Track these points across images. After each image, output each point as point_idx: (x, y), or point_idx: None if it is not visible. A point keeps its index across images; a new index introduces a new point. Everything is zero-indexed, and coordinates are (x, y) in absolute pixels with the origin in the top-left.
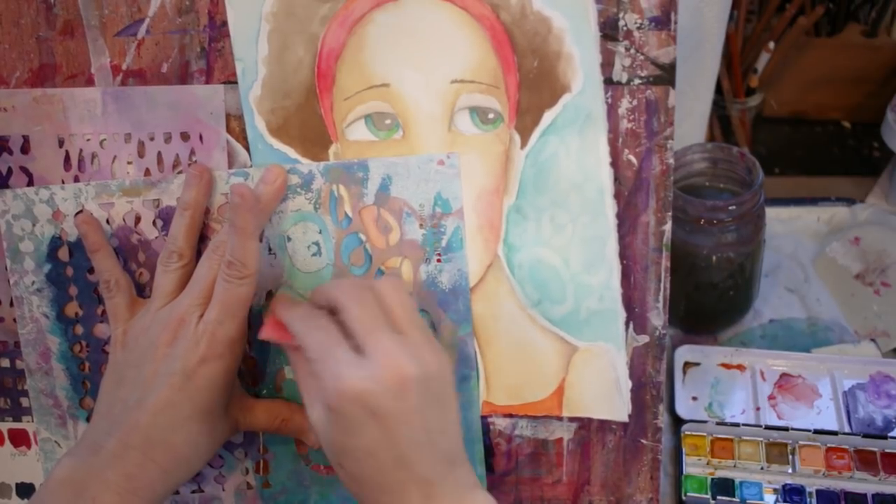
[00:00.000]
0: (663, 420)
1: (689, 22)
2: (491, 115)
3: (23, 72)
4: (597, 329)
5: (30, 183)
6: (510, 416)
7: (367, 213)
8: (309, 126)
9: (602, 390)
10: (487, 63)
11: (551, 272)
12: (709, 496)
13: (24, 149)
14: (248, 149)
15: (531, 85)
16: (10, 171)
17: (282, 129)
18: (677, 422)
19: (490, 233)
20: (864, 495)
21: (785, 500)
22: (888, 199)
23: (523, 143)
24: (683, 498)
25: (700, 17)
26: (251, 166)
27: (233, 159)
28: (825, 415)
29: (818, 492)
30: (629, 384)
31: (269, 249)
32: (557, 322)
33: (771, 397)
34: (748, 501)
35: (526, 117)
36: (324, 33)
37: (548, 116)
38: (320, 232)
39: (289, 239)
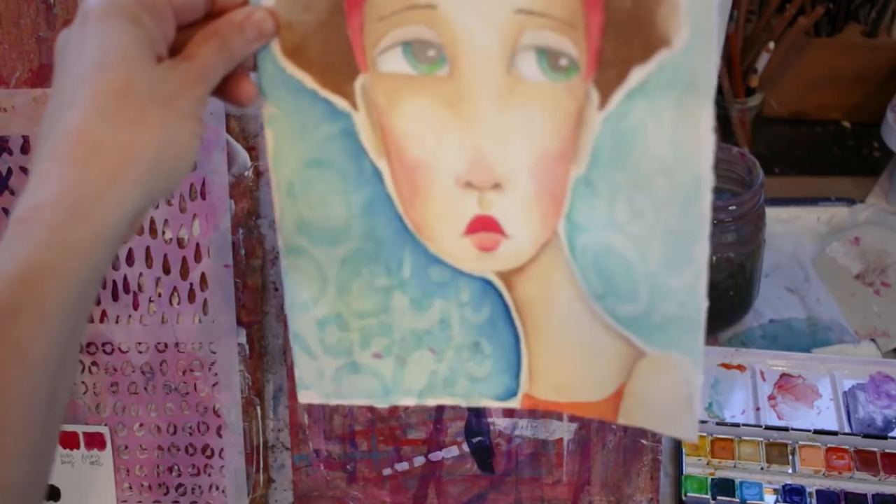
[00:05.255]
0: (704, 403)
1: None
2: (563, 62)
3: (23, 72)
4: (672, 337)
5: None
6: (511, 415)
7: None
8: (332, 49)
9: (669, 405)
10: None
11: (622, 264)
12: (709, 496)
13: (24, 149)
14: (255, 69)
15: (620, 30)
16: (9, 171)
17: (298, 51)
18: None
19: (550, 205)
20: (864, 495)
21: (785, 501)
22: (888, 199)
23: (602, 103)
24: (683, 498)
25: None
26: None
27: (232, 159)
28: (825, 415)
29: (818, 492)
30: (702, 403)
31: None
32: (624, 321)
33: (771, 397)
34: (748, 502)
35: (609, 71)
36: None
37: (637, 75)
38: None
39: None
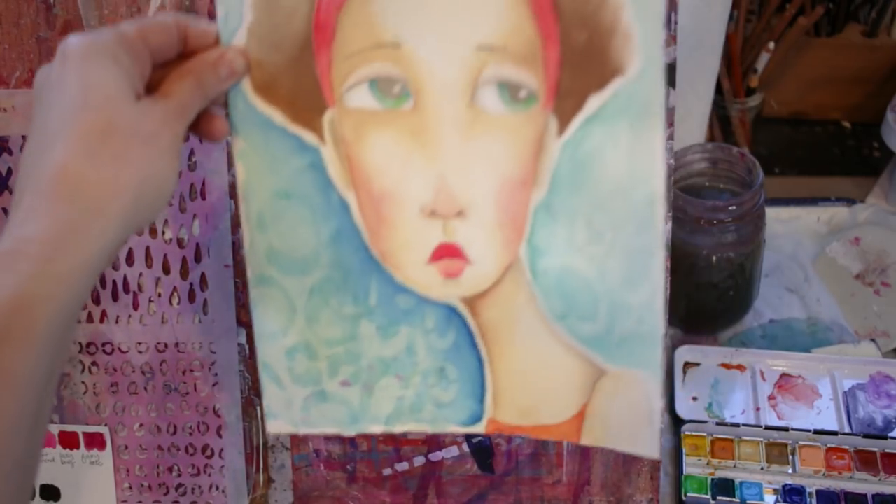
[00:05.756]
0: (663, 420)
1: (689, 22)
2: (523, 93)
3: (23, 72)
4: (631, 353)
5: None
6: None
7: None
8: (301, 86)
9: (630, 422)
10: (523, 30)
11: (582, 284)
12: (709, 496)
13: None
14: (225, 107)
15: (576, 62)
16: (9, 171)
17: (269, 88)
18: (677, 422)
19: (512, 231)
20: (864, 495)
21: (785, 501)
22: (888, 199)
23: (561, 131)
24: (683, 498)
25: (700, 17)
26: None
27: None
28: (825, 415)
29: (818, 492)
30: (663, 417)
31: None
32: (585, 340)
33: (771, 397)
34: (748, 502)
35: (566, 100)
36: None
37: (594, 102)
38: None
39: None
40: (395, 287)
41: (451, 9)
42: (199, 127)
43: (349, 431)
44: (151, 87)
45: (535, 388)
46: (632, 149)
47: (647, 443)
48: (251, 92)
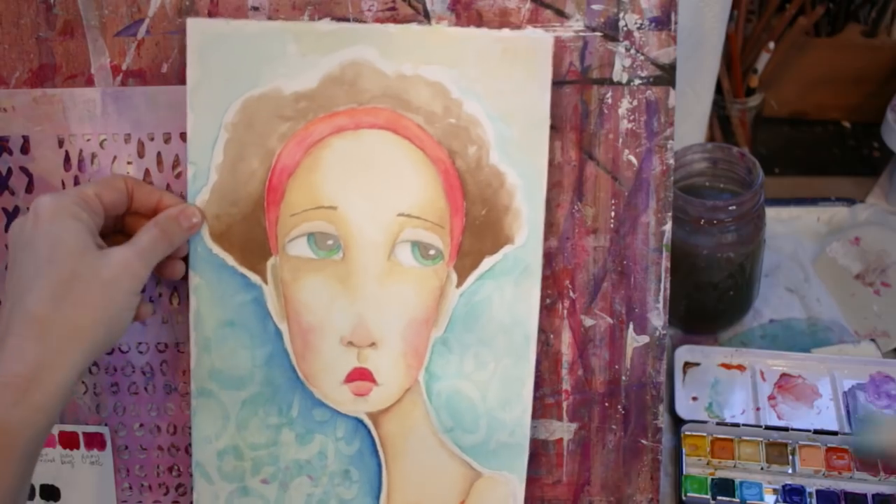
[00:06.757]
0: (663, 420)
1: (689, 22)
2: (432, 252)
3: (23, 72)
4: (503, 460)
5: (30, 184)
6: None
7: None
8: (251, 236)
9: None
10: (436, 203)
11: (468, 404)
12: (709, 496)
13: (24, 149)
14: (188, 253)
15: (476, 231)
16: (9, 171)
17: (223, 236)
18: (677, 422)
19: (414, 359)
20: (864, 495)
21: (785, 501)
22: (888, 199)
23: (459, 283)
24: (683, 498)
25: (700, 17)
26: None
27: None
28: (825, 415)
29: (818, 492)
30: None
31: None
32: (466, 449)
33: (771, 397)
34: (748, 502)
35: (466, 259)
36: (280, 150)
37: (487, 262)
38: None
39: None
40: (314, 402)
41: (380, 183)
42: (162, 268)
43: None
44: (108, 235)
45: (423, 487)
46: (514, 299)
47: None
48: (209, 238)
